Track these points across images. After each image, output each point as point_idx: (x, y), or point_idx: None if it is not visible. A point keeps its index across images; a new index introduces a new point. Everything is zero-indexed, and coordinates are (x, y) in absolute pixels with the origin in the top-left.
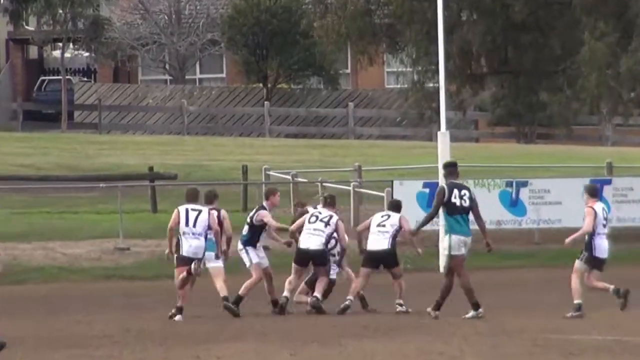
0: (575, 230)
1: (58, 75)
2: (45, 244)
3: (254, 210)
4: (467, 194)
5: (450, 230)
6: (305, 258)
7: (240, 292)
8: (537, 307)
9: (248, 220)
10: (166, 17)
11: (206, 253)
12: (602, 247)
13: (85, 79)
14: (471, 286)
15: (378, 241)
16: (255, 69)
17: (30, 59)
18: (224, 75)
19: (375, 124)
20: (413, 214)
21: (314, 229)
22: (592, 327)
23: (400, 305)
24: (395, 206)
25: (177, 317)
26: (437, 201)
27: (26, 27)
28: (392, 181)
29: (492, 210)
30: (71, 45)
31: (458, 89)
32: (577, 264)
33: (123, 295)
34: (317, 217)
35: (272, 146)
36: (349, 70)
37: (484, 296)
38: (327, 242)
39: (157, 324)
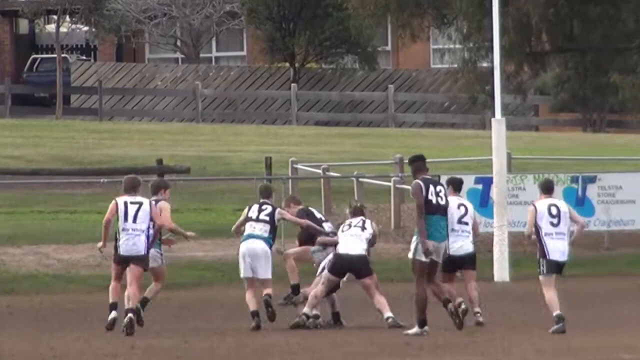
0: None
1: (52, 53)
2: (37, 248)
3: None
4: (443, 190)
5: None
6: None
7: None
8: (607, 322)
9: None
10: None
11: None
12: (554, 248)
13: (84, 57)
14: (426, 300)
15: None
16: (281, 46)
17: (20, 34)
18: (244, 53)
19: (419, 110)
20: None
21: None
22: None
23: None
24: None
25: (112, 314)
26: (419, 200)
27: None
28: (438, 176)
29: None
30: (67, 19)
31: (516, 69)
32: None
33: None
34: (349, 225)
35: (300, 135)
36: (388, 48)
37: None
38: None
39: (167, 341)
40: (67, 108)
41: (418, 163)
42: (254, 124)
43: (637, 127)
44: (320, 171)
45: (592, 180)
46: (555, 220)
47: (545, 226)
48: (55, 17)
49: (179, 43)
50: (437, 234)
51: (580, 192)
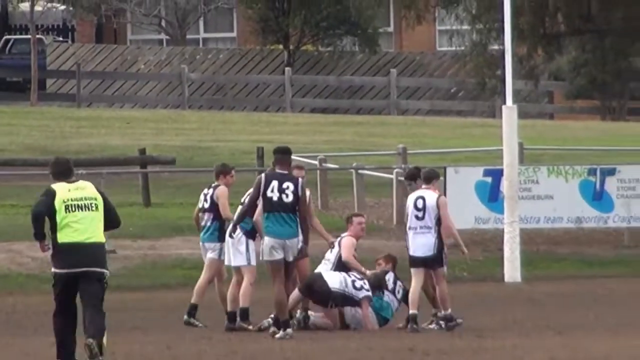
0: None
1: (26, 34)
2: (9, 245)
3: None
4: (292, 187)
5: (265, 230)
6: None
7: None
8: (628, 327)
9: None
10: None
11: None
12: (415, 243)
13: (61, 38)
14: (285, 300)
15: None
16: (274, 26)
17: None
18: (234, 34)
19: (424, 96)
20: (470, 209)
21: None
22: None
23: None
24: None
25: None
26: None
27: None
28: (445, 168)
29: (571, 205)
30: None
31: (529, 52)
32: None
33: (108, 310)
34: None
35: (295, 123)
36: (391, 29)
37: (562, 312)
38: None
39: (150, 347)
40: (42, 93)
41: (278, 155)
42: (244, 111)
43: None
44: (316, 162)
45: (611, 172)
46: (420, 214)
47: (410, 220)
48: None
49: (163, 23)
50: (278, 231)
51: (598, 186)
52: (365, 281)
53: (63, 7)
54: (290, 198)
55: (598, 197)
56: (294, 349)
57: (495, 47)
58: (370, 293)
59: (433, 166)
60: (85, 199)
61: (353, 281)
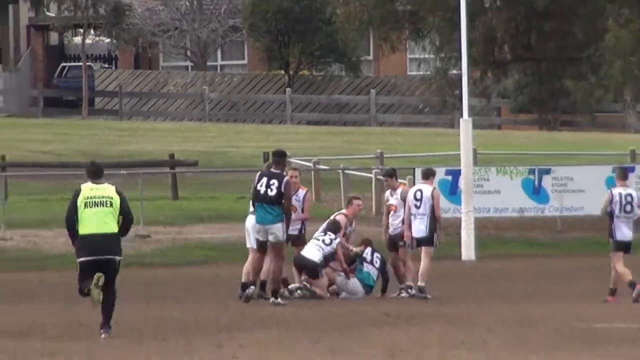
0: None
1: (79, 62)
2: (65, 231)
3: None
4: (277, 184)
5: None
6: None
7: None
8: (561, 296)
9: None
10: (187, 3)
11: None
12: (414, 227)
13: (106, 65)
14: (277, 273)
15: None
16: (277, 55)
17: (51, 45)
18: (245, 62)
19: (397, 111)
20: None
21: None
22: (615, 316)
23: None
24: None
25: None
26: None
27: (47, 13)
28: (414, 169)
29: (515, 198)
30: (92, 32)
31: (481, 75)
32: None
33: (143, 283)
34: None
35: (294, 133)
36: (371, 57)
37: (508, 285)
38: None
39: (177, 312)
40: (91, 109)
41: (275, 158)
42: (253, 124)
43: (586, 126)
44: (311, 164)
45: (547, 172)
46: (418, 204)
47: (411, 208)
48: (81, 30)
49: (188, 53)
50: (259, 218)
51: (536, 183)
52: (329, 232)
53: (108, 40)
54: (274, 192)
55: (536, 192)
56: (293, 314)
57: (455, 71)
58: (338, 239)
59: (404, 167)
60: (103, 197)
61: (323, 241)
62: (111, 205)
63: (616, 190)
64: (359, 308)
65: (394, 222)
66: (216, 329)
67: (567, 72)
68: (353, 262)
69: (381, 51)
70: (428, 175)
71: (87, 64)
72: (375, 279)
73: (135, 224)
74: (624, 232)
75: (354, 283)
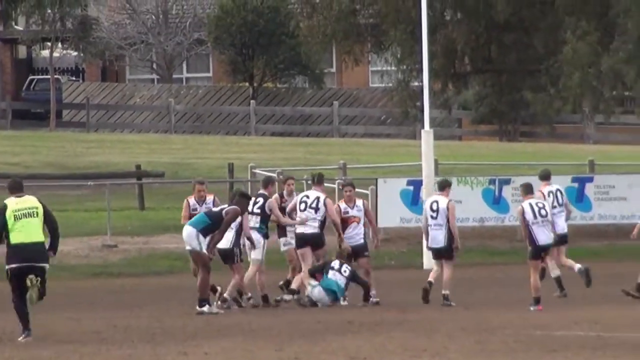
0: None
1: (47, 75)
2: None
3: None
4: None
5: None
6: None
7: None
8: (520, 304)
9: (257, 210)
10: (153, 17)
11: None
12: (431, 237)
13: (74, 78)
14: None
15: None
16: (242, 68)
17: (19, 59)
18: (210, 74)
19: (359, 123)
20: (396, 211)
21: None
22: (574, 323)
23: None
24: None
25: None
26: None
27: (15, 26)
28: (376, 179)
29: (476, 208)
30: (60, 45)
31: (442, 87)
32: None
33: (111, 292)
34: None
35: (258, 144)
36: (333, 70)
37: (469, 293)
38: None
39: (144, 321)
40: (59, 121)
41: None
42: (218, 135)
43: (545, 137)
44: (275, 175)
45: (507, 182)
46: (434, 214)
47: (427, 219)
48: (49, 43)
49: (154, 66)
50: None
51: (497, 193)
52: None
53: (75, 53)
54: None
55: (497, 202)
56: (258, 322)
57: (416, 83)
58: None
59: (366, 177)
60: (29, 208)
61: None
62: (37, 215)
63: (526, 204)
64: (322, 316)
65: (355, 233)
66: (182, 337)
67: (526, 84)
68: (321, 271)
69: (344, 64)
70: (444, 186)
71: (55, 76)
72: (342, 287)
73: (103, 234)
74: (545, 236)
75: (319, 291)
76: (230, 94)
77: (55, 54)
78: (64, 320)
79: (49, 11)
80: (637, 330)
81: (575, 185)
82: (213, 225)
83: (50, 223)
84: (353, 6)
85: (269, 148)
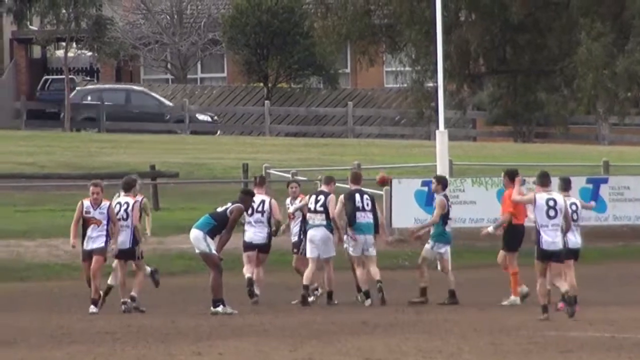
0: None
1: (61, 75)
2: (48, 241)
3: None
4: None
5: None
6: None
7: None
8: (534, 305)
9: (320, 208)
10: (168, 17)
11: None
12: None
13: (88, 78)
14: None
15: None
16: (256, 68)
17: (33, 59)
18: (225, 74)
19: (374, 123)
20: (411, 212)
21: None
22: (589, 324)
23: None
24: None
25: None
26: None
27: (30, 26)
28: (390, 180)
29: (490, 209)
30: (74, 45)
31: (457, 88)
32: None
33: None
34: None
35: (273, 145)
36: (348, 70)
37: (482, 294)
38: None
39: (158, 321)
40: (73, 122)
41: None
42: (233, 135)
43: (559, 138)
44: (289, 175)
45: (522, 183)
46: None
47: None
48: (64, 43)
49: (169, 66)
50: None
51: None
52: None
53: (90, 53)
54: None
55: None
56: (272, 322)
57: (431, 84)
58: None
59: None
60: None
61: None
62: None
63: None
64: (337, 317)
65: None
66: (196, 337)
67: (541, 85)
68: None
69: (359, 64)
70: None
71: (70, 77)
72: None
73: None
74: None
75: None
76: (245, 94)
77: (70, 54)
78: (77, 320)
79: (64, 11)
80: None
81: (590, 186)
82: (219, 226)
83: None
84: (368, 6)
85: (283, 148)
